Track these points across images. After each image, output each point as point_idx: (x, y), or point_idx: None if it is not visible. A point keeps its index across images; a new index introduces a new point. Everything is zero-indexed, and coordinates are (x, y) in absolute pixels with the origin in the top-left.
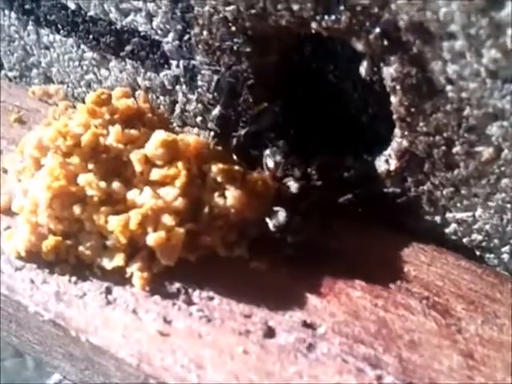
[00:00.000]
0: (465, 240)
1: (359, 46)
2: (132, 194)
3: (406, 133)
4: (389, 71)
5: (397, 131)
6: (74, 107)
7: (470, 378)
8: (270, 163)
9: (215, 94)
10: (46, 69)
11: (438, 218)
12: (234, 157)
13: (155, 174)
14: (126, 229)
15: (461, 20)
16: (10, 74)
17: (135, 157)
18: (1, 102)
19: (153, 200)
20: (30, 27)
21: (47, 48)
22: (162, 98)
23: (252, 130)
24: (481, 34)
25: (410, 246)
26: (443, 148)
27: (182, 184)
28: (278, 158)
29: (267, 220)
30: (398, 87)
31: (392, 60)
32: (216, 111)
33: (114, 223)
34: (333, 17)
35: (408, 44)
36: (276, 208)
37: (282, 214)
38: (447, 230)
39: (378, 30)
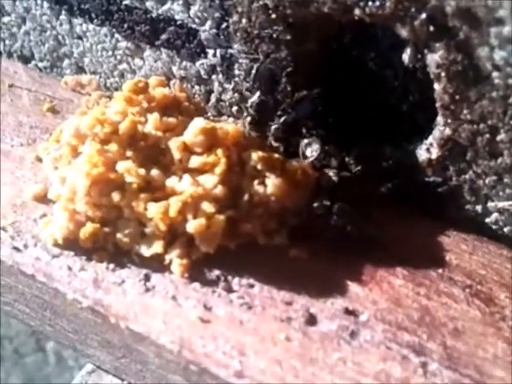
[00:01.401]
0: (506, 229)
1: (403, 33)
2: (171, 182)
3: (450, 121)
4: (433, 58)
5: (439, 119)
6: (107, 97)
7: None
8: (308, 152)
9: (253, 83)
10: (79, 59)
11: (479, 207)
12: (273, 144)
13: (194, 162)
14: (166, 216)
15: (509, 5)
16: (41, 65)
17: (174, 144)
18: (33, 92)
19: (192, 187)
20: (62, 17)
21: (80, 38)
22: (197, 87)
23: (290, 118)
24: None
25: (451, 234)
26: (487, 136)
27: (222, 171)
28: (316, 147)
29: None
30: (442, 74)
31: (437, 46)
32: (255, 97)
33: (154, 210)
34: (377, 2)
35: (455, 30)
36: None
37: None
38: (488, 220)
39: (424, 15)
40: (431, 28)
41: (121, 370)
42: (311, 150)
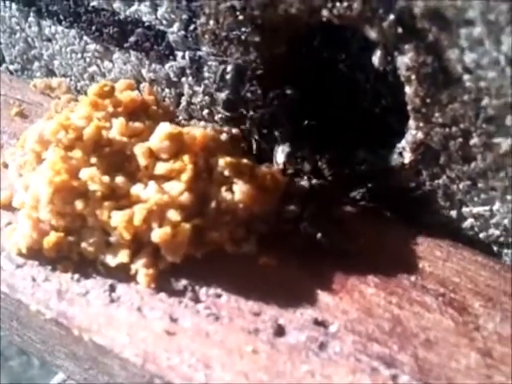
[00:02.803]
0: (482, 235)
1: (372, 35)
2: (136, 189)
3: (421, 124)
4: (403, 60)
5: (411, 123)
6: (77, 100)
7: (488, 377)
8: (280, 158)
9: (221, 84)
10: (48, 61)
11: (453, 213)
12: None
13: (160, 168)
14: (130, 224)
15: (479, 6)
16: (12, 68)
17: (139, 150)
18: (1, 96)
19: (158, 195)
20: (31, 18)
21: (49, 40)
22: (167, 90)
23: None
24: (500, 20)
25: (425, 241)
26: (460, 140)
27: (188, 178)
28: (288, 152)
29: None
30: (413, 77)
31: (407, 48)
32: (223, 95)
33: (118, 219)
34: (345, 3)
35: (424, 32)
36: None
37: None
38: (463, 225)
39: (392, 17)
40: (400, 30)
41: (90, 380)
42: (283, 156)
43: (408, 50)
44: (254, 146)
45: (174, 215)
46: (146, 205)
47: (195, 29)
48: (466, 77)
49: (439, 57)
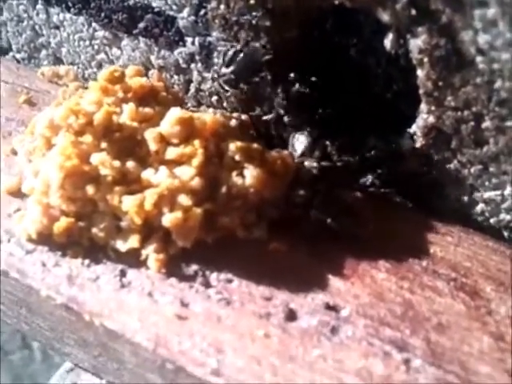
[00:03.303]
0: (492, 220)
1: (385, 17)
2: (147, 174)
3: (433, 108)
4: (416, 43)
5: (423, 107)
6: (85, 88)
7: (501, 360)
8: (300, 147)
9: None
10: (56, 49)
11: (465, 198)
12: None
13: (171, 153)
14: (141, 209)
15: None
16: (19, 56)
17: (150, 135)
18: (9, 84)
19: (169, 179)
20: (39, 6)
21: (57, 27)
22: (176, 77)
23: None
24: None
25: (436, 226)
26: (472, 123)
27: (199, 163)
28: (306, 141)
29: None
30: (425, 60)
31: (420, 31)
32: (228, 71)
33: (129, 203)
34: None
35: (437, 13)
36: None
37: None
38: (474, 210)
39: None
40: (413, 11)
41: (99, 368)
42: (300, 145)
43: (421, 33)
44: (263, 131)
45: (184, 200)
46: (156, 189)
47: (205, 14)
48: (479, 59)
49: (452, 39)
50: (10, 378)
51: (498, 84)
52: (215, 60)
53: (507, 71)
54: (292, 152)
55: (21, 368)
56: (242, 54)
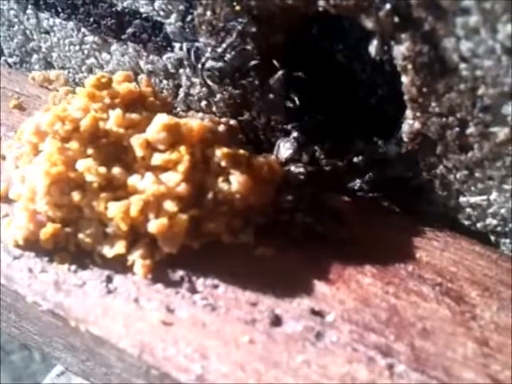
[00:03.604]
0: (479, 225)
1: (369, 24)
2: (133, 180)
3: (418, 114)
4: (400, 50)
5: (408, 113)
6: (75, 93)
7: (485, 366)
8: (285, 153)
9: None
10: (47, 54)
11: (451, 203)
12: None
13: (157, 159)
14: (127, 215)
15: None
16: (10, 60)
17: (136, 141)
18: (0, 89)
19: (155, 186)
20: (29, 11)
21: (47, 32)
22: (165, 81)
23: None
24: (496, 8)
25: (423, 231)
26: (457, 129)
27: (185, 169)
28: (292, 147)
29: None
30: (409, 66)
31: (403, 38)
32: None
33: (115, 210)
34: None
35: (420, 21)
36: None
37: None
38: (461, 215)
39: (388, 6)
40: (396, 19)
41: (88, 373)
42: (286, 151)
43: (404, 40)
44: (252, 136)
45: (170, 206)
46: (142, 196)
47: (192, 20)
48: (462, 66)
49: (435, 46)
50: (10, 378)
51: (481, 90)
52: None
53: (490, 78)
54: (278, 157)
55: (21, 368)
56: (232, 52)
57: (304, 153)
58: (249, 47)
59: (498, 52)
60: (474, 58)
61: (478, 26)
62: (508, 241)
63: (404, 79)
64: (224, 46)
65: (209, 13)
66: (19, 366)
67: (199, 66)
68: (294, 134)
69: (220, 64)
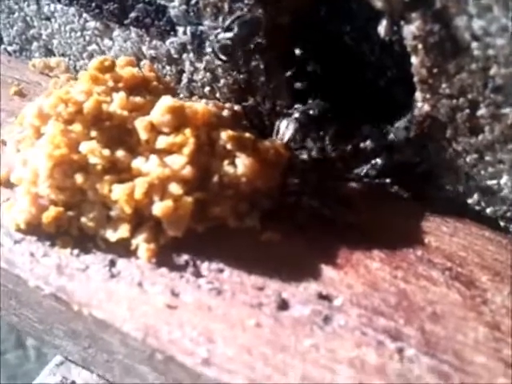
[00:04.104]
0: (488, 210)
1: (378, 4)
2: (137, 163)
3: (428, 96)
4: (410, 29)
5: (417, 95)
6: (76, 79)
7: (497, 350)
8: (286, 134)
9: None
10: (47, 41)
11: (460, 188)
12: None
13: (162, 142)
14: (131, 198)
15: None
16: (10, 49)
17: (140, 124)
18: (0, 76)
19: (159, 168)
20: None
21: (48, 19)
22: (168, 67)
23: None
24: None
25: (431, 216)
26: (467, 111)
27: (190, 152)
28: (292, 127)
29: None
30: (419, 46)
31: (413, 17)
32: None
33: (119, 192)
34: None
35: None
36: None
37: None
38: (470, 200)
39: None
40: None
41: (88, 361)
42: (287, 131)
43: (415, 19)
44: (256, 122)
45: (175, 188)
46: (147, 178)
47: (197, 2)
48: (474, 45)
49: (447, 24)
50: (5, 377)
51: (493, 70)
52: (207, 50)
53: (502, 57)
54: (278, 138)
55: (15, 367)
56: (244, 20)
57: (309, 138)
58: (258, 14)
59: (511, 30)
60: (487, 36)
61: (490, 3)
62: None
63: (414, 60)
64: (232, 17)
65: None
66: (13, 364)
67: (211, 42)
68: (296, 114)
69: (233, 33)
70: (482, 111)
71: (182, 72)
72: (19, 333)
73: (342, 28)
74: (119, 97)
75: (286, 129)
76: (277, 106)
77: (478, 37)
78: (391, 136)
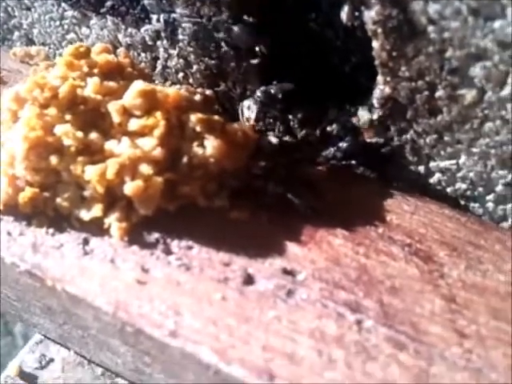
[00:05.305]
0: (449, 189)
1: None
2: (110, 145)
3: (389, 79)
4: (370, 14)
5: (379, 78)
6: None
7: (452, 321)
8: (247, 114)
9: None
10: (28, 30)
11: (421, 168)
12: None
13: (133, 125)
14: (103, 178)
15: None
16: None
17: (113, 107)
18: None
19: (131, 149)
20: None
21: (28, 9)
22: (143, 54)
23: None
24: None
25: (394, 195)
26: (426, 93)
27: (161, 134)
28: (254, 108)
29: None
30: (379, 31)
31: (373, 2)
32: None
33: (91, 172)
34: None
35: None
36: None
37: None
38: (431, 180)
39: None
40: None
41: (65, 337)
42: (250, 112)
43: (374, 4)
44: (228, 106)
45: (146, 169)
46: (118, 159)
47: None
48: (430, 28)
49: (404, 9)
50: None
51: (449, 53)
52: (180, 36)
53: (457, 40)
54: (247, 120)
55: (3, 355)
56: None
57: (278, 122)
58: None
59: (465, 13)
60: (442, 19)
61: None
62: (477, 205)
63: (374, 44)
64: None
65: None
66: (2, 352)
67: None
68: (258, 93)
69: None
70: (439, 93)
71: (156, 59)
72: (7, 320)
73: (308, 15)
74: (93, 81)
75: (248, 110)
76: (247, 91)
77: (433, 20)
78: (356, 119)
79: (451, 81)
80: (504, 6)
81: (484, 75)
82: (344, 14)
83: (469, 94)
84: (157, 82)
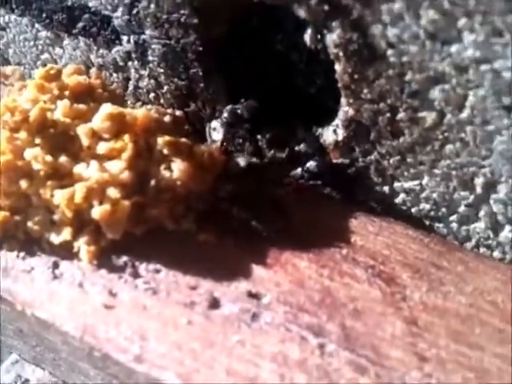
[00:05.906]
0: (414, 210)
1: (301, 13)
2: (79, 168)
3: (351, 101)
4: (332, 38)
5: (343, 100)
6: None
7: (412, 344)
8: (214, 136)
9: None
10: (3, 50)
11: (386, 188)
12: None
13: (102, 148)
14: (72, 202)
15: None
16: None
17: (82, 130)
18: None
19: (98, 173)
20: None
21: (3, 29)
22: (115, 75)
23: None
24: None
25: (359, 217)
26: (388, 115)
27: (129, 157)
28: (221, 130)
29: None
30: (340, 54)
31: (334, 26)
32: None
33: (60, 197)
34: None
35: (348, 8)
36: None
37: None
38: (396, 200)
39: None
40: (326, 7)
41: (38, 359)
42: (216, 133)
43: (335, 28)
44: (199, 127)
45: (113, 193)
46: (87, 183)
47: (138, 12)
48: (389, 52)
49: (364, 33)
50: None
51: (408, 76)
52: (150, 58)
53: (416, 63)
54: (213, 142)
55: None
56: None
57: (247, 143)
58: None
59: (422, 37)
60: (400, 43)
61: (402, 11)
62: (441, 225)
63: (337, 67)
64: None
65: (153, 5)
66: None
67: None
68: (224, 114)
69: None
70: (401, 115)
71: (128, 79)
72: None
73: (273, 36)
74: (62, 104)
75: (214, 131)
76: (216, 112)
77: (392, 44)
78: (322, 139)
79: (412, 103)
80: (460, 31)
81: (443, 98)
82: (307, 36)
83: (429, 117)
84: (129, 102)
